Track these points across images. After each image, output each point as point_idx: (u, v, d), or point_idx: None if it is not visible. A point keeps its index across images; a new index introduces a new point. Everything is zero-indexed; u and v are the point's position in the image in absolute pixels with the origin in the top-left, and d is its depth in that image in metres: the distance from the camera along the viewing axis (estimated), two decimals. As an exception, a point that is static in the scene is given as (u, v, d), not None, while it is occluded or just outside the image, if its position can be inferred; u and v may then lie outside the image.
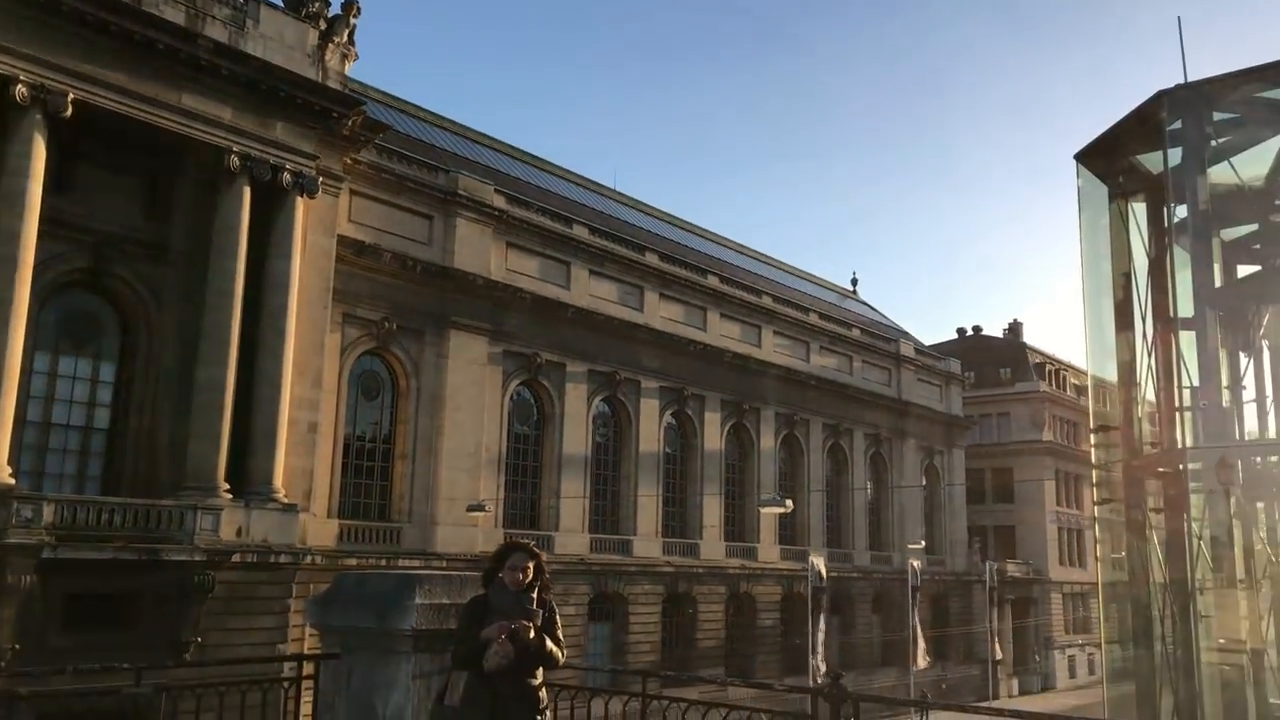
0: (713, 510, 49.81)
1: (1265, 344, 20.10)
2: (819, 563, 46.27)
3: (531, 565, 6.74)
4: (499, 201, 40.85)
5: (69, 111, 26.21)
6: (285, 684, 9.50)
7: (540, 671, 6.68)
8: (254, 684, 9.61)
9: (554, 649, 6.59)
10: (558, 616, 6.86)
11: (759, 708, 8.58)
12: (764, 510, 38.92)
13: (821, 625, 45.94)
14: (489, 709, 6.43)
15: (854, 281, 77.35)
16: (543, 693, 6.72)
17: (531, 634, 6.41)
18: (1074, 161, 21.58)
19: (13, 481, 25.09)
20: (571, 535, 42.64)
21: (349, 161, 34.20)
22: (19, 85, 25.30)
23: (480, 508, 35.16)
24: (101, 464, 29.24)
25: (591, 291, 44.79)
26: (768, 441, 53.79)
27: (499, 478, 40.29)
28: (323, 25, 32.42)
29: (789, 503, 36.36)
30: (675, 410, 48.76)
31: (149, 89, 27.86)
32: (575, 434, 43.50)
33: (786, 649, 52.26)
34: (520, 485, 42.05)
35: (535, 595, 6.70)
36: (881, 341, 64.53)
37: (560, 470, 42.75)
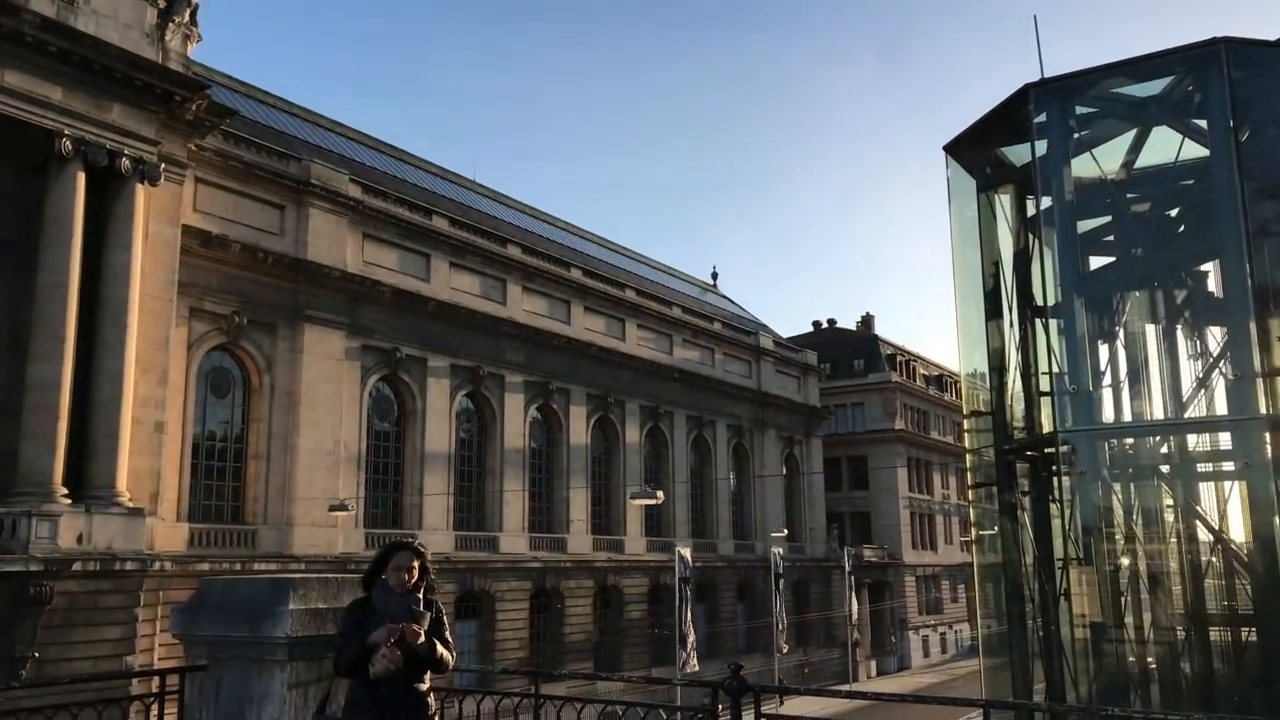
0: (580, 504, 49.71)
1: (1123, 331, 21.22)
2: (685, 553, 46.85)
3: (417, 565, 6.42)
4: (354, 191, 39.70)
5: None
6: (147, 699, 8.70)
7: (428, 676, 6.38)
8: (108, 703, 8.80)
9: (444, 652, 6.28)
10: (445, 617, 6.57)
11: (653, 704, 8.41)
12: (634, 502, 39.02)
13: (689, 615, 46.61)
14: (375, 717, 6.11)
15: (714, 276, 78.63)
16: (431, 698, 6.43)
17: (420, 638, 6.11)
18: (943, 153, 22.37)
19: None
20: (436, 533, 41.76)
21: (194, 148, 32.61)
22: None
23: (342, 507, 34.07)
24: (-85, 471, 26.99)
25: (453, 284, 44.02)
26: (633, 434, 54.03)
27: (359, 476, 39.16)
28: (161, 3, 30.80)
29: (659, 494, 36.67)
30: (540, 404, 48.45)
31: (-33, 65, 25.88)
32: (438, 430, 42.69)
33: (654, 640, 52.66)
34: (382, 484, 41.00)
35: (421, 596, 6.39)
36: (742, 334, 65.71)
37: (423, 467, 41.88)
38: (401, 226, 41.85)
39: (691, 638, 46.14)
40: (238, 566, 33.74)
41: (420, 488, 41.32)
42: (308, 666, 7.44)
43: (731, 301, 76.93)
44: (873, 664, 73.37)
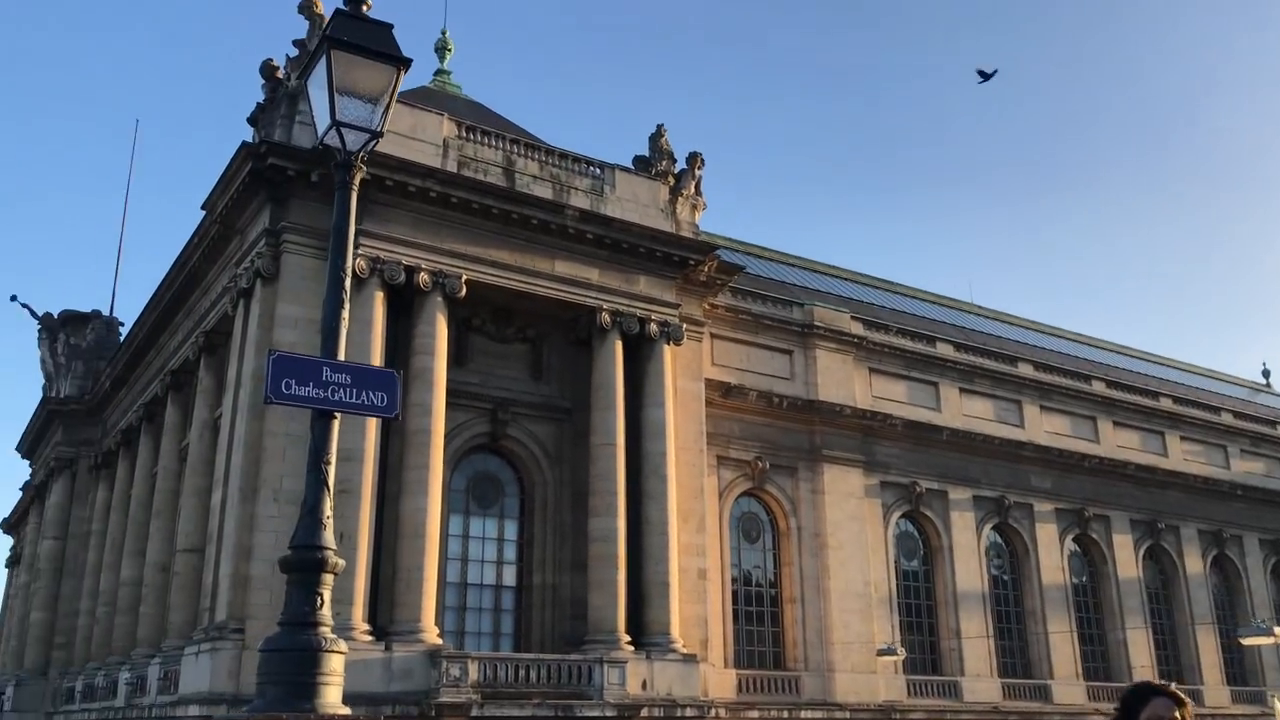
0: (1140, 647, 43.57)
1: None
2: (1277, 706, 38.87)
3: (1178, 715, 5.06)
4: (856, 328, 39.79)
5: (464, 292, 28.56)
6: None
7: None
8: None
9: None
10: None
11: None
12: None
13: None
14: None
15: (1265, 373, 67.84)
16: None
17: None
18: None
19: (440, 641, 26.35)
20: (979, 680, 38.69)
21: (707, 307, 34.74)
22: (421, 273, 27.99)
23: (890, 652, 32.74)
24: (513, 620, 30.27)
25: (965, 411, 42.00)
26: (1194, 564, 46.87)
27: (892, 618, 37.62)
28: (671, 181, 33.74)
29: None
30: (1077, 534, 43.87)
31: (526, 261, 29.92)
32: (968, 567, 40.07)
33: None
34: (915, 627, 39.02)
35: None
36: (1316, 436, 55.29)
37: (957, 608, 39.31)
38: (906, 357, 41.06)
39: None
40: (784, 714, 33.48)
41: (957, 630, 38.71)
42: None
43: (1293, 401, 65.64)
44: None
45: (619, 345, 30.99)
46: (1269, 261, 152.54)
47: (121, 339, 47.08)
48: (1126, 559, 44.71)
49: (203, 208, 30.31)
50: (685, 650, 29.68)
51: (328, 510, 7.83)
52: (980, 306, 55.03)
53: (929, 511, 39.91)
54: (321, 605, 7.53)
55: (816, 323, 38.37)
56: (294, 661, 7.21)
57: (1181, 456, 48.14)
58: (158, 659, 30.73)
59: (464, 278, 28.63)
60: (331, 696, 6.82)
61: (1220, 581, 48.53)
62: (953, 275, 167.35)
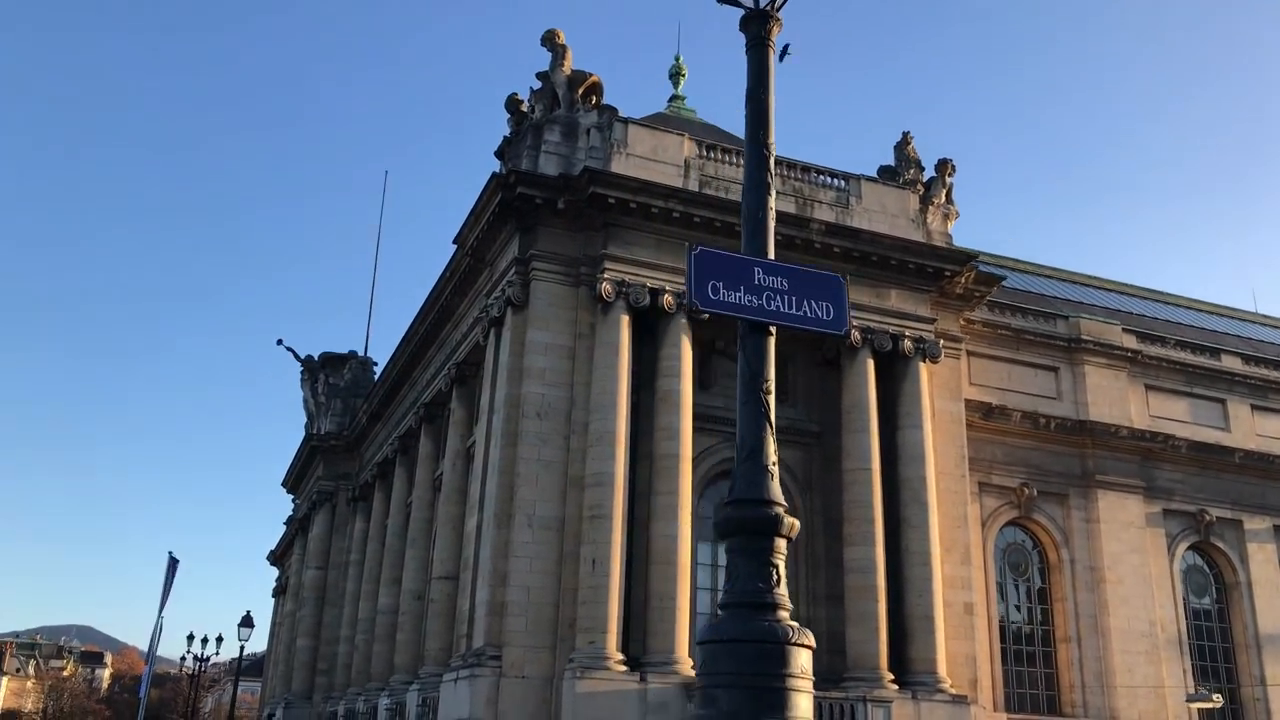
0: None
1: None
2: None
3: None
4: (1129, 341, 36.31)
5: (708, 314, 27.72)
6: None
7: None
8: None
9: None
10: None
11: None
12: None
13: None
14: None
15: None
16: None
17: None
18: None
19: (694, 674, 25.40)
20: (1290, 735, 34.01)
21: (964, 322, 32.53)
22: (666, 295, 27.47)
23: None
24: (764, 655, 28.93)
25: (1259, 430, 37.48)
26: None
27: (1183, 662, 33.69)
28: (920, 190, 31.93)
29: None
30: (1402, 570, 38.07)
31: (772, 279, 28.83)
32: (1271, 606, 35.50)
33: None
34: (1209, 671, 34.80)
35: None
36: None
37: (1260, 652, 34.81)
38: (1187, 372, 37.13)
39: None
40: (1064, 765, 30.44)
41: (1261, 678, 34.22)
42: None
43: None
44: None
45: (870, 364, 29.36)
46: None
47: (376, 377, 49.47)
48: None
49: (454, 241, 31.10)
50: (954, 690, 27.43)
51: (772, 452, 6.11)
52: (1267, 316, 49.46)
53: (1220, 543, 35.69)
54: (778, 581, 5.81)
55: (1084, 336, 35.26)
56: (751, 657, 5.57)
57: None
58: (416, 685, 31.34)
59: (708, 298, 27.85)
60: (803, 709, 5.49)
61: None
62: (1232, 284, 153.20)
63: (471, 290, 32.44)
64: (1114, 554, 33.32)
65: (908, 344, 29.60)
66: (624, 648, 25.30)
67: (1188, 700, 29.66)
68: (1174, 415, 36.27)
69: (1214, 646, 35.20)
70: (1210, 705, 29.87)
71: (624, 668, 24.85)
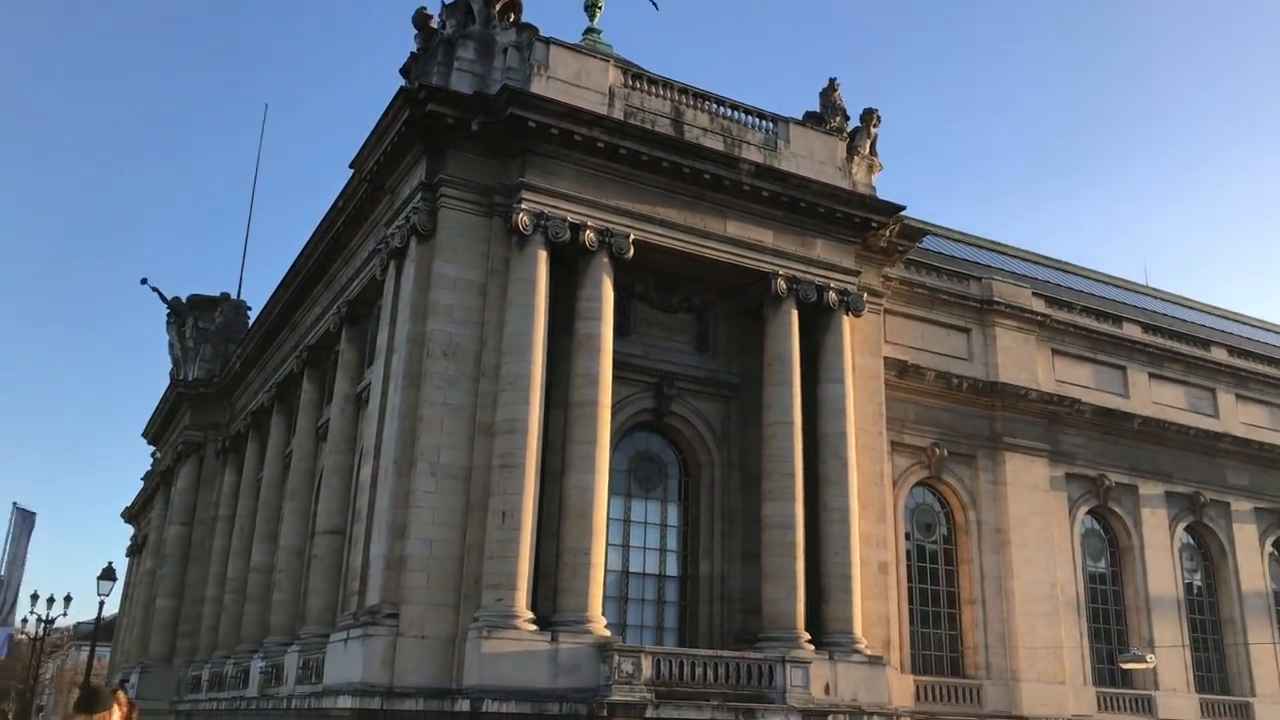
0: (1353, 664, 38.98)
1: None
2: None
3: None
4: (1038, 305, 36.24)
5: (631, 253, 26.09)
6: None
7: None
8: None
9: None
10: None
11: None
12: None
13: None
14: None
15: None
16: None
17: None
18: None
19: (608, 634, 23.87)
20: (1174, 696, 34.81)
21: (884, 278, 31.68)
22: (587, 231, 25.59)
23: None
24: (676, 613, 27.65)
25: (1155, 398, 38.10)
26: None
27: (1080, 624, 34.00)
28: (845, 138, 30.82)
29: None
30: (1278, 537, 39.48)
31: (696, 221, 27.34)
32: (1160, 570, 36.20)
33: None
34: (1103, 634, 35.28)
35: None
36: None
37: (1149, 615, 35.46)
38: (1091, 338, 37.37)
39: None
40: (968, 727, 30.24)
41: (1150, 640, 34.82)
42: None
43: None
44: None
45: (794, 315, 28.14)
46: None
47: (252, 321, 46.05)
48: (1333, 566, 40.14)
49: (351, 166, 28.46)
50: (870, 651, 26.69)
51: None
52: (1159, 290, 50.66)
53: (1117, 508, 36.16)
54: None
55: (996, 298, 34.97)
56: None
57: (1396, 453, 43.24)
58: (296, 647, 28.96)
59: (631, 237, 26.15)
60: None
61: None
62: (1127, 259, 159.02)
63: (368, 221, 29.87)
64: (1019, 516, 33.26)
65: (832, 296, 28.51)
66: (533, 606, 23.57)
67: (1120, 661, 29.74)
68: (1078, 380, 36.47)
69: (1107, 609, 35.69)
70: (1144, 666, 30.08)
71: (534, 627, 23.14)
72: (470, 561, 23.68)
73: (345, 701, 22.86)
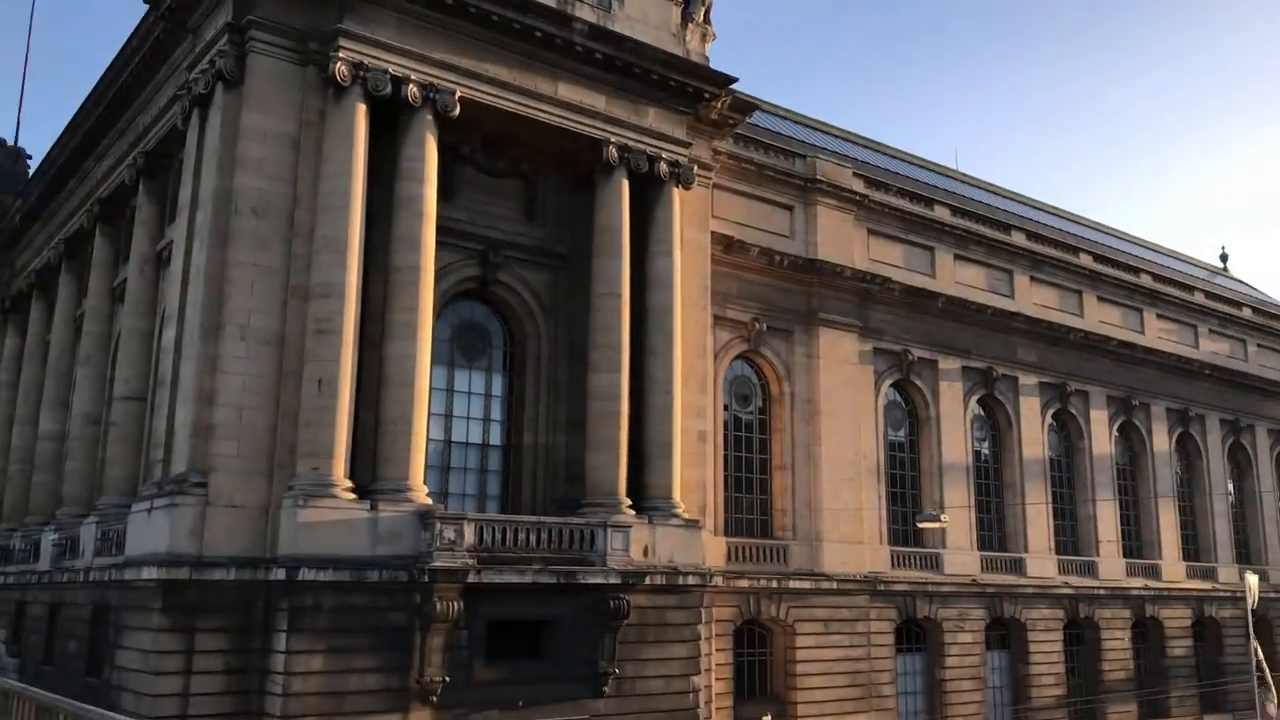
0: (1108, 523, 43.41)
1: None
2: (1253, 580, 39.12)
3: None
4: (858, 185, 37.19)
5: (457, 111, 24.93)
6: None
7: None
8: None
9: None
10: None
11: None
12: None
13: (1259, 653, 38.80)
14: None
15: (1224, 257, 67.81)
16: None
17: None
18: None
19: (430, 502, 23.67)
20: (960, 553, 37.86)
21: (713, 151, 31.61)
22: (410, 85, 24.24)
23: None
24: (500, 482, 27.71)
25: (958, 279, 40.14)
26: (1161, 442, 46.70)
27: (879, 488, 36.22)
28: (680, 3, 30.12)
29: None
30: (1057, 409, 42.96)
31: (527, 81, 26.35)
32: (954, 439, 38.81)
33: (1203, 682, 44.90)
34: (900, 498, 37.79)
35: None
36: (1275, 321, 55.43)
37: (942, 480, 38.14)
38: (904, 219, 38.76)
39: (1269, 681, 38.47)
40: (774, 584, 32.02)
41: (940, 503, 37.52)
42: None
43: (1249, 286, 65.81)
44: None
45: (625, 185, 27.81)
46: (1235, 144, 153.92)
47: (32, 171, 41.92)
48: (1101, 434, 44.15)
49: (146, 1, 25.72)
50: (688, 516, 27.64)
51: None
52: (968, 175, 52.93)
53: (918, 381, 38.30)
54: None
55: (819, 177, 35.60)
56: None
57: (1157, 334, 47.50)
58: (93, 518, 27.47)
59: (457, 94, 24.96)
60: None
61: (1182, 459, 48.62)
62: (941, 145, 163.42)
63: (167, 64, 27.32)
64: (829, 388, 34.74)
65: (664, 167, 28.28)
66: (352, 475, 23.07)
67: (918, 520, 31.86)
68: (890, 260, 37.90)
69: (904, 475, 38.10)
70: (939, 525, 32.33)
71: (353, 496, 22.70)
72: (284, 430, 22.84)
73: (150, 573, 21.93)
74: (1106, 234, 58.62)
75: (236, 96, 23.45)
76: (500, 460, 27.86)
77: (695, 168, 29.37)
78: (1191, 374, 48.18)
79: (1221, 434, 49.87)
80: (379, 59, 23.87)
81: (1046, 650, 39.80)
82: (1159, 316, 47.96)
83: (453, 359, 27.42)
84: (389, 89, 23.94)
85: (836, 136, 45.75)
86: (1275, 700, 37.70)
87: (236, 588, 21.83)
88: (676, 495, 27.55)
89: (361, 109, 23.75)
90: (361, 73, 23.60)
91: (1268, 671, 36.47)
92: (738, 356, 33.67)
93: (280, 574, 21.58)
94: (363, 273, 23.80)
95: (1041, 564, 40.39)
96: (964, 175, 52.45)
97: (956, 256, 40.32)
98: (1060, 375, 42.70)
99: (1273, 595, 49.10)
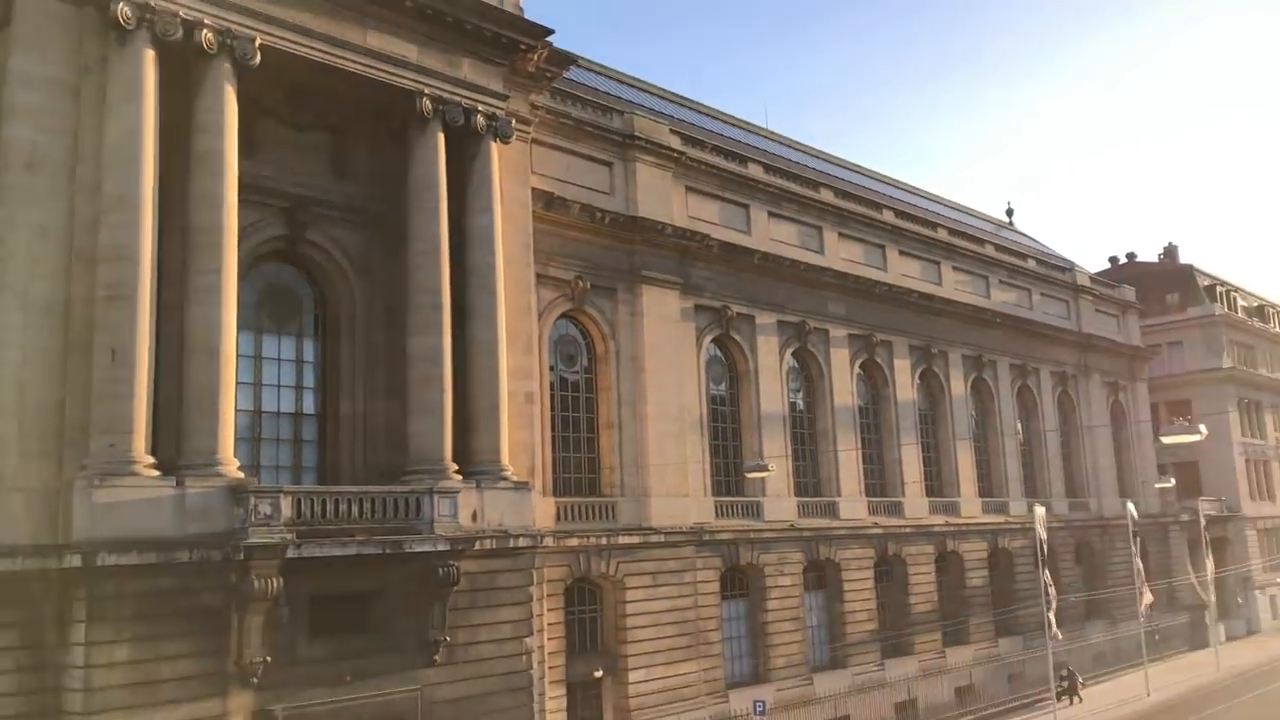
0: (912, 465, 45.87)
1: None
2: (1040, 513, 42.46)
3: None
4: (675, 142, 37.33)
5: (257, 59, 23.31)
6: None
7: None
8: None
9: None
10: None
11: None
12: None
13: (1047, 579, 42.26)
14: None
15: (1009, 212, 72.25)
16: None
17: None
18: None
19: (242, 475, 22.36)
20: (779, 501, 39.14)
21: (532, 105, 30.94)
22: (205, 30, 22.47)
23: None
24: (316, 452, 26.50)
25: (772, 235, 41.10)
26: (958, 387, 49.63)
27: (702, 442, 36.91)
28: (494, -48, 29.13)
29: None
30: (864, 359, 44.88)
31: (334, 29, 24.90)
32: (771, 391, 39.92)
33: (997, 609, 48.42)
34: (722, 450, 38.63)
35: None
36: (1057, 271, 59.72)
37: (761, 431, 39.21)
38: (721, 177, 39.26)
39: (1054, 604, 42.15)
40: (603, 541, 32.15)
41: (760, 453, 38.59)
42: None
43: (1032, 239, 70.51)
44: (1221, 628, 65.59)
45: (441, 139, 26.83)
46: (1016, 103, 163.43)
47: None
48: (904, 382, 46.46)
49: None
50: (516, 479, 27.28)
51: None
52: (780, 134, 54.07)
53: (738, 336, 39.10)
54: None
55: (637, 133, 35.49)
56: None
57: (954, 286, 50.22)
58: None
59: (257, 41, 23.32)
60: None
61: (977, 402, 51.82)
62: (752, 103, 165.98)
63: (-86, -1, 24.24)
64: (653, 345, 34.96)
65: (480, 120, 27.44)
66: (154, 451, 21.49)
67: (745, 470, 32.45)
68: (708, 217, 38.36)
69: (726, 427, 38.95)
70: (766, 474, 33.07)
71: (156, 473, 21.18)
72: (74, 406, 20.98)
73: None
74: (908, 191, 61.47)
75: (3, 39, 21.14)
76: (315, 430, 26.63)
77: (513, 121, 28.66)
78: (985, 322, 51.30)
79: (1011, 378, 53.45)
80: (168, 1, 21.96)
81: (859, 588, 41.82)
82: (955, 269, 50.72)
83: (260, 324, 25.91)
84: (180, 33, 22.10)
85: (654, 94, 45.79)
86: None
87: (26, 579, 20.00)
88: (505, 458, 27.13)
89: (149, 55, 21.82)
90: (147, 15, 21.65)
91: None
92: (562, 315, 33.35)
93: (76, 560, 19.89)
94: (158, 234, 22.03)
95: (853, 507, 42.30)
96: (776, 135, 53.65)
97: (770, 214, 41.25)
98: (867, 327, 44.57)
99: (1055, 525, 53.37)
